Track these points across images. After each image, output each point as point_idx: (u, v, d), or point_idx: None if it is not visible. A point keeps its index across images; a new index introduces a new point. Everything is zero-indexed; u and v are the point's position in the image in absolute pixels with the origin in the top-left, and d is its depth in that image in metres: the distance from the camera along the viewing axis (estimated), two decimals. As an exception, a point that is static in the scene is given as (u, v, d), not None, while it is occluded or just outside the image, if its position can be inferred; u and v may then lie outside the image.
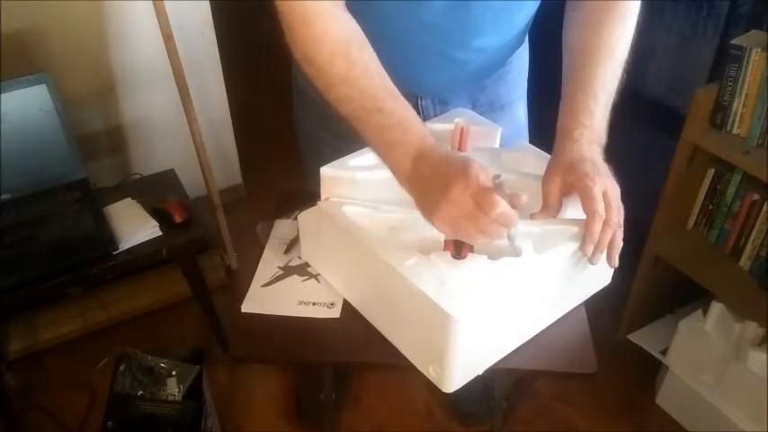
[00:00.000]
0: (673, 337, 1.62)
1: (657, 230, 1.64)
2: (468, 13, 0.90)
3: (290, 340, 0.91)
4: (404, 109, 0.80)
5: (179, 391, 1.37)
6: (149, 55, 1.92)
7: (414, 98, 1.07)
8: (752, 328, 1.47)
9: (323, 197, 0.91)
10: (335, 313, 0.93)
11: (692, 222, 1.64)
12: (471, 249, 0.82)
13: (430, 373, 0.81)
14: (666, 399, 1.71)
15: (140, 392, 1.35)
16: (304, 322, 0.92)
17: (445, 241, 0.82)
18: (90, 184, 1.60)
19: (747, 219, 1.49)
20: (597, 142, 0.86)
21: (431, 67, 1.00)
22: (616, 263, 0.82)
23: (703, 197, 1.58)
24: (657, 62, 1.76)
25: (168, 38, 1.65)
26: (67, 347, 1.86)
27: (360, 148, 0.92)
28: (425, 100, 1.08)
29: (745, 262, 1.53)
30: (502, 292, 0.78)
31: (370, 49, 0.83)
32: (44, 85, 1.48)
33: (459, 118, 1.04)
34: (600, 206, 0.79)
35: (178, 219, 1.52)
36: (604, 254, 0.81)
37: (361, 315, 0.92)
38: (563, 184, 0.84)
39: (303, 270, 1.01)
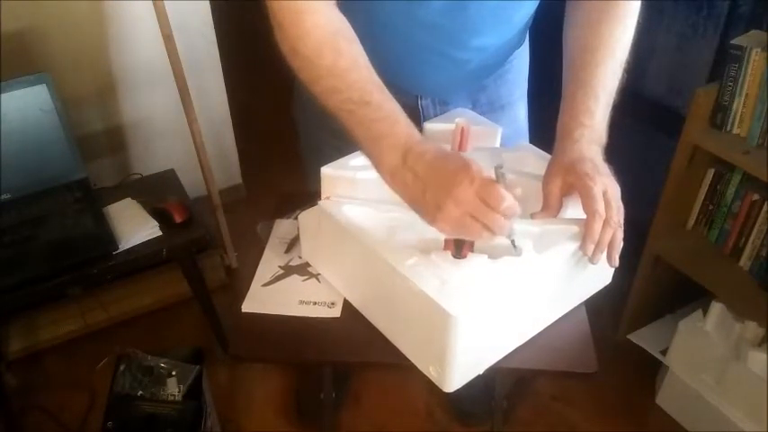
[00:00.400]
0: (673, 337, 1.62)
1: (657, 230, 1.64)
2: (466, 13, 0.90)
3: (290, 340, 0.91)
4: (391, 103, 0.80)
5: (179, 391, 1.37)
6: (149, 55, 1.92)
7: (414, 98, 1.07)
8: (752, 328, 1.47)
9: (323, 197, 0.91)
10: (336, 313, 0.93)
11: (692, 222, 1.64)
12: (472, 249, 0.82)
13: (430, 372, 0.81)
14: (666, 399, 1.71)
15: (140, 392, 1.35)
16: (304, 322, 0.92)
17: (445, 241, 0.82)
18: (90, 184, 1.60)
19: (747, 219, 1.49)
20: (597, 142, 0.87)
21: (430, 66, 1.00)
22: (616, 262, 0.82)
23: (703, 197, 1.58)
24: (657, 62, 1.77)
25: (168, 38, 1.65)
26: (67, 347, 1.86)
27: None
28: (425, 100, 1.08)
29: (745, 262, 1.53)
30: (502, 291, 0.78)
31: (359, 44, 0.83)
32: (44, 85, 1.48)
33: (459, 118, 1.04)
34: (600, 206, 0.79)
35: (178, 219, 1.52)
36: (604, 253, 0.81)
37: (361, 315, 0.92)
38: (563, 183, 0.84)
39: (303, 270, 1.01)
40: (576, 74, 0.91)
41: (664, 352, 1.67)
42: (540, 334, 0.89)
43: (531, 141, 1.12)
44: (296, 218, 1.05)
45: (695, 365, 1.59)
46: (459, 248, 0.81)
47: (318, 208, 0.91)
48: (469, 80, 1.08)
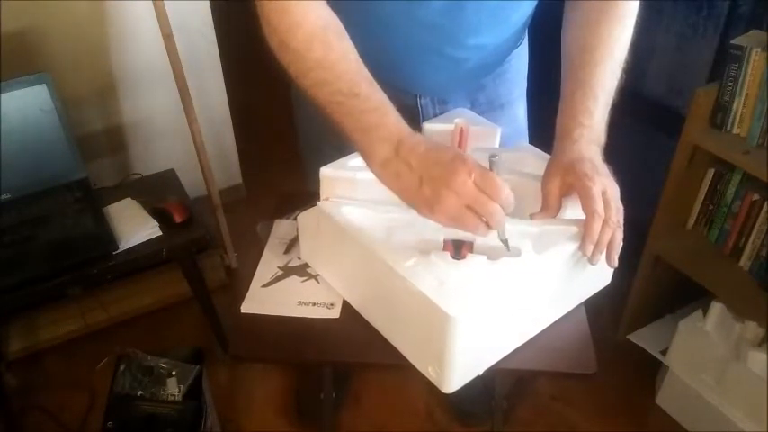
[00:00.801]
0: (673, 337, 1.62)
1: (657, 230, 1.63)
2: (463, 13, 0.90)
3: (289, 340, 0.91)
4: (380, 95, 0.80)
5: (179, 391, 1.37)
6: (149, 55, 1.92)
7: (413, 97, 1.07)
8: (752, 328, 1.47)
9: (322, 197, 0.91)
10: (335, 313, 0.93)
11: (692, 222, 1.64)
12: (471, 249, 0.82)
13: (430, 373, 0.81)
14: (666, 399, 1.71)
15: (140, 392, 1.35)
16: (304, 322, 0.92)
17: (444, 241, 0.82)
18: (90, 184, 1.60)
19: (747, 219, 1.49)
20: (596, 142, 0.86)
21: (429, 65, 1.00)
22: (615, 263, 0.82)
23: (703, 197, 1.58)
24: (657, 62, 1.76)
25: (168, 38, 1.65)
26: (67, 347, 1.86)
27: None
28: (424, 99, 1.08)
29: (745, 262, 1.53)
30: (501, 292, 0.78)
31: (348, 39, 0.82)
32: (44, 85, 1.48)
33: (458, 118, 1.04)
34: (599, 206, 0.79)
35: (178, 219, 1.52)
36: (604, 254, 0.81)
37: (360, 315, 0.92)
38: (562, 184, 0.84)
39: (303, 270, 1.01)
40: (574, 74, 0.91)
41: (664, 352, 1.67)
42: (539, 334, 0.89)
43: (531, 141, 1.12)
44: (295, 218, 1.05)
45: (695, 365, 1.59)
46: (459, 249, 0.81)
47: (317, 209, 0.90)
48: (468, 79, 1.08)
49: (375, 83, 0.80)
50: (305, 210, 0.96)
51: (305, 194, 1.00)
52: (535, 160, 0.96)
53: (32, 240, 1.42)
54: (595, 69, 0.89)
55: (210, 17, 2.02)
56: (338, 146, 0.93)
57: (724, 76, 1.39)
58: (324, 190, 0.91)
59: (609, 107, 0.89)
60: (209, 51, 2.08)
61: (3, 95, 1.43)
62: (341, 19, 0.83)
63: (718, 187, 1.54)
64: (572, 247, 0.81)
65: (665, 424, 1.69)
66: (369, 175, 0.88)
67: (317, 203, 0.90)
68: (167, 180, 1.70)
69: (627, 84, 0.91)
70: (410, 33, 0.94)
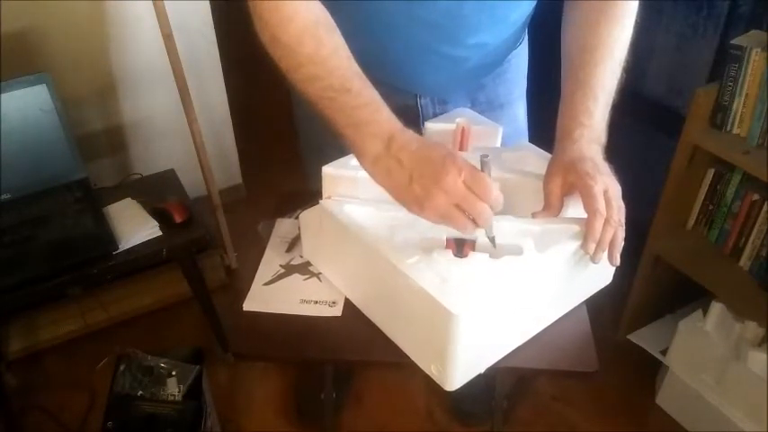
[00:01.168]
0: (673, 337, 1.62)
1: (657, 230, 1.64)
2: (463, 13, 0.90)
3: (291, 338, 0.91)
4: (371, 91, 0.80)
5: (179, 391, 1.36)
6: (149, 55, 1.92)
7: (413, 97, 1.08)
8: (752, 328, 1.47)
9: (324, 196, 0.91)
10: (337, 312, 0.93)
11: (692, 222, 1.64)
12: (473, 248, 0.82)
13: (432, 371, 0.81)
14: (666, 399, 1.71)
15: (140, 392, 1.35)
16: (306, 321, 0.92)
17: (447, 239, 0.82)
18: (90, 184, 1.59)
19: (747, 219, 1.49)
20: (597, 142, 0.87)
21: (429, 65, 1.00)
22: (617, 261, 0.82)
23: (703, 197, 1.58)
24: (657, 62, 1.77)
25: (168, 38, 1.65)
26: (67, 347, 1.86)
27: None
28: (424, 99, 1.09)
29: (745, 262, 1.53)
30: (503, 290, 0.78)
31: (339, 34, 0.82)
32: (44, 85, 1.48)
33: (459, 118, 1.04)
34: (601, 204, 0.79)
35: (178, 219, 1.52)
36: (606, 253, 0.81)
37: (362, 313, 0.92)
38: (564, 183, 0.84)
39: (305, 269, 1.01)
40: (574, 74, 0.91)
41: (664, 352, 1.67)
42: (541, 333, 0.89)
43: (531, 141, 1.12)
44: (297, 217, 1.05)
45: (695, 365, 1.59)
46: (461, 247, 0.82)
47: (320, 207, 0.91)
48: (468, 79, 1.09)
49: (366, 79, 0.80)
50: (306, 209, 0.96)
51: (305, 194, 1.01)
52: (536, 159, 0.96)
53: (32, 240, 1.42)
54: (595, 69, 0.89)
55: (210, 17, 2.02)
56: (339, 146, 0.93)
57: (724, 76, 1.40)
58: (326, 188, 0.91)
59: (609, 107, 0.89)
60: (209, 51, 2.08)
61: (3, 95, 1.43)
62: (341, 19, 0.83)
63: (718, 187, 1.54)
64: (574, 245, 0.82)
65: (665, 424, 1.69)
66: (371, 174, 0.88)
67: (320, 202, 0.91)
68: (167, 180, 1.70)
69: (627, 84, 0.91)
70: (410, 33, 0.94)
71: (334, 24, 0.83)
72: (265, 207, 1.18)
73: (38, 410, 1.70)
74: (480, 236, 0.82)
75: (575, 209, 0.84)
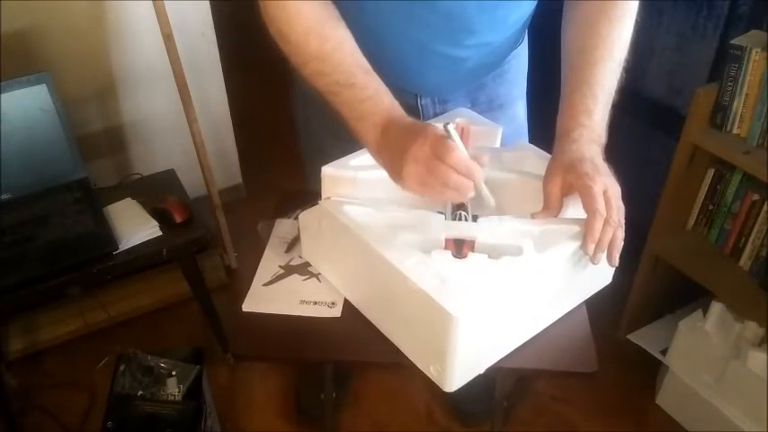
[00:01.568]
0: (673, 337, 1.62)
1: (657, 230, 1.64)
2: (463, 13, 0.90)
3: (291, 339, 0.91)
4: (375, 83, 0.85)
5: (179, 391, 1.36)
6: (149, 55, 1.92)
7: (413, 97, 1.07)
8: (752, 328, 1.47)
9: (324, 197, 0.91)
10: (336, 312, 0.93)
11: (692, 222, 1.64)
12: (472, 248, 0.82)
13: (431, 372, 0.81)
14: (666, 399, 1.71)
15: (140, 392, 1.35)
16: (305, 321, 0.92)
17: (446, 240, 0.82)
18: (90, 184, 1.59)
19: (747, 219, 1.49)
20: (596, 142, 0.87)
21: (429, 65, 1.00)
22: (616, 262, 0.82)
23: (703, 197, 1.58)
24: (657, 62, 1.77)
25: (168, 38, 1.65)
26: (67, 347, 1.86)
27: (361, 149, 0.92)
28: (425, 99, 1.09)
29: (745, 262, 1.53)
30: (503, 291, 0.78)
31: (344, 28, 0.86)
32: (44, 85, 1.48)
33: (459, 118, 1.04)
34: (600, 205, 0.79)
35: (178, 219, 1.52)
36: (605, 253, 0.81)
37: (361, 314, 0.92)
38: (563, 183, 0.84)
39: (304, 269, 1.01)
40: (574, 74, 0.91)
41: (664, 352, 1.67)
42: (540, 333, 0.89)
43: (531, 141, 1.12)
44: (296, 217, 1.05)
45: (695, 365, 1.59)
46: (460, 248, 0.82)
47: (319, 208, 0.91)
48: (468, 78, 1.09)
49: (371, 70, 0.85)
50: (306, 209, 0.96)
51: (305, 194, 1.01)
52: (536, 159, 0.96)
53: (32, 240, 1.42)
54: (595, 69, 0.89)
55: (210, 17, 2.02)
56: (340, 146, 0.94)
57: (724, 76, 1.40)
58: (325, 189, 0.91)
59: (609, 107, 0.89)
60: (209, 51, 2.08)
61: (3, 95, 1.43)
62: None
63: (718, 187, 1.54)
64: (573, 246, 0.82)
65: (665, 424, 1.69)
66: (370, 174, 0.88)
67: (319, 202, 0.91)
68: (167, 180, 1.70)
69: (627, 83, 0.91)
70: (410, 33, 0.94)
71: (339, 18, 0.86)
72: (265, 207, 1.18)
73: (38, 410, 1.70)
74: (480, 236, 0.81)
75: (574, 209, 0.84)
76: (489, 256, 0.80)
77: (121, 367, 1.38)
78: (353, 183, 0.89)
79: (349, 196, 0.90)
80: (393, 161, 0.80)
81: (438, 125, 0.77)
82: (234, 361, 1.83)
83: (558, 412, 1.72)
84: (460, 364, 0.79)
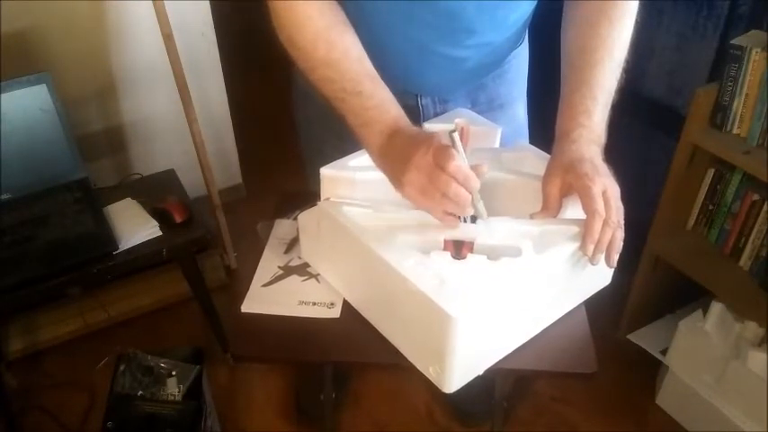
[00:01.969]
0: (673, 337, 1.62)
1: (657, 230, 1.64)
2: (463, 13, 0.90)
3: (290, 340, 0.91)
4: (382, 91, 0.85)
5: (179, 391, 1.37)
6: (149, 55, 1.92)
7: (413, 97, 1.07)
8: (752, 328, 1.47)
9: (323, 197, 0.91)
10: (335, 313, 0.93)
11: (692, 222, 1.64)
12: (471, 249, 0.82)
13: (430, 373, 0.81)
14: (666, 399, 1.71)
15: (140, 392, 1.35)
16: (304, 322, 0.92)
17: (445, 241, 0.82)
18: (90, 184, 1.60)
19: (747, 219, 1.49)
20: (596, 142, 0.87)
21: (429, 65, 1.00)
22: (614, 263, 0.82)
23: (703, 197, 1.58)
24: (657, 62, 1.76)
25: (168, 38, 1.65)
26: (67, 347, 1.86)
27: (361, 149, 0.92)
28: (425, 99, 1.09)
29: (745, 262, 1.53)
30: (502, 292, 0.78)
31: (353, 34, 0.87)
32: (44, 85, 1.48)
33: (459, 118, 1.04)
34: (599, 205, 0.79)
35: (178, 219, 1.52)
36: (604, 254, 0.81)
37: (360, 315, 0.92)
38: (563, 184, 0.84)
39: (303, 270, 1.01)
40: (574, 74, 0.91)
41: (664, 352, 1.67)
42: (539, 334, 0.89)
43: (531, 141, 1.12)
44: (296, 218, 1.05)
45: (695, 365, 1.59)
46: (459, 249, 0.81)
47: (318, 208, 0.91)
48: (468, 78, 1.09)
49: (378, 78, 0.85)
50: (305, 209, 0.96)
51: (305, 194, 1.01)
52: (535, 160, 0.96)
53: (32, 240, 1.42)
54: (594, 70, 0.89)
55: (210, 17, 2.02)
56: (340, 147, 0.94)
57: (724, 76, 1.39)
58: (324, 190, 0.91)
59: (609, 107, 0.89)
60: (209, 51, 2.08)
61: (3, 95, 1.43)
62: None
63: (718, 187, 1.54)
64: (572, 246, 0.81)
65: (665, 424, 1.69)
66: (369, 176, 0.88)
67: (318, 203, 0.91)
68: (167, 180, 1.70)
69: (626, 83, 0.91)
70: (410, 33, 0.94)
71: (347, 23, 0.87)
72: (265, 207, 1.18)
73: (38, 410, 1.70)
74: (479, 237, 0.81)
75: (573, 210, 0.84)
76: (488, 257, 0.80)
77: (121, 367, 1.38)
78: (353, 184, 0.89)
79: (348, 197, 0.90)
80: (395, 168, 0.79)
81: (442, 130, 0.77)
82: (233, 362, 1.83)
83: (557, 412, 1.72)
84: (460, 365, 0.78)
